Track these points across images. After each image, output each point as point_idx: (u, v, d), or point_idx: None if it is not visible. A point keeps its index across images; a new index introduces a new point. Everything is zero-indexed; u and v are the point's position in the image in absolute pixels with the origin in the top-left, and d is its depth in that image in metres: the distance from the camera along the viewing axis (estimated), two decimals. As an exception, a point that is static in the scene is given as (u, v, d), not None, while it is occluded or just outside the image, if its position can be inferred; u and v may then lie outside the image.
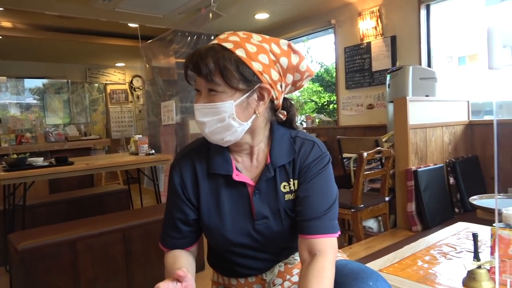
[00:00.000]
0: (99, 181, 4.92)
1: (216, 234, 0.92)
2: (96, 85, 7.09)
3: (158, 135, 4.54)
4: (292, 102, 0.99)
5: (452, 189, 3.12)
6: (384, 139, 3.23)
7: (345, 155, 3.44)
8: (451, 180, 3.14)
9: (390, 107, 3.39)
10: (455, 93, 4.72)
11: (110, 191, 3.60)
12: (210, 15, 3.63)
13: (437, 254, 1.25)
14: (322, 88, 6.37)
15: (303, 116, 5.67)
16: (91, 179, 4.31)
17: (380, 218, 2.94)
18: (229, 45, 0.83)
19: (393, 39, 3.95)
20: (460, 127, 3.37)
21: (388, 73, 3.54)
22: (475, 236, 1.01)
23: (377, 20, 4.04)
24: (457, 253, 1.26)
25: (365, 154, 2.50)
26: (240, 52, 0.82)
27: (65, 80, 6.76)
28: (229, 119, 0.83)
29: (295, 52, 0.90)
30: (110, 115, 7.14)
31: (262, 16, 4.74)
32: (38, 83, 6.55)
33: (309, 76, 0.95)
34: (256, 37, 0.88)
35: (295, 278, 0.97)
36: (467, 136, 3.42)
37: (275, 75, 0.87)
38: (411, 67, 3.32)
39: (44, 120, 6.29)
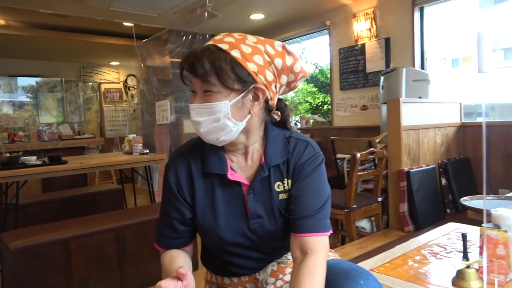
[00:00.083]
0: (92, 180, 4.89)
1: (210, 233, 0.93)
2: (90, 83, 7.05)
3: (152, 134, 4.53)
4: (286, 102, 1.00)
5: (444, 190, 3.16)
6: (377, 140, 3.26)
7: (338, 155, 3.47)
8: (443, 181, 3.17)
9: (384, 108, 3.42)
10: (449, 95, 4.78)
11: (104, 190, 3.59)
12: (206, 15, 3.63)
13: (427, 254, 1.27)
14: (316, 89, 6.39)
15: (297, 116, 5.69)
16: (85, 178, 4.29)
17: (373, 218, 2.97)
18: (224, 46, 0.84)
19: (387, 41, 3.98)
20: (452, 129, 3.41)
21: (382, 75, 3.57)
22: (464, 237, 1.03)
23: (371, 22, 4.08)
24: (447, 253, 1.28)
25: (358, 155, 2.52)
26: (235, 53, 0.83)
27: (59, 79, 6.71)
28: (224, 119, 0.84)
29: (289, 53, 0.92)
30: (104, 114, 7.10)
31: (257, 16, 4.75)
32: (32, 81, 6.49)
33: (303, 77, 0.96)
34: (251, 38, 0.89)
35: (288, 277, 0.98)
36: (459, 137, 3.46)
37: (269, 76, 0.88)
38: (404, 69, 3.35)
39: (37, 119, 6.25)
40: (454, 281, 1.02)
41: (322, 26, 4.67)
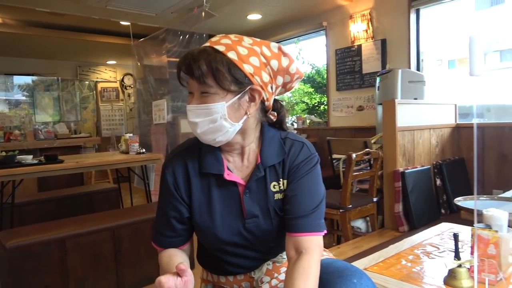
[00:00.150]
0: (89, 179, 4.88)
1: (207, 232, 0.94)
2: (87, 82, 7.03)
3: (149, 134, 4.52)
4: (282, 103, 1.01)
5: (438, 191, 3.18)
6: (372, 141, 3.28)
7: (334, 156, 3.49)
8: (438, 182, 3.20)
9: (380, 109, 3.44)
10: (445, 96, 4.81)
11: (100, 189, 3.59)
12: (203, 14, 3.63)
13: (420, 254, 1.29)
14: (313, 89, 6.42)
15: (294, 116, 5.71)
16: (81, 177, 4.29)
17: (368, 218, 2.99)
18: (221, 48, 0.85)
19: (383, 42, 4.00)
20: (447, 130, 3.44)
21: (378, 76, 3.59)
22: (456, 236, 1.05)
23: (368, 23, 4.10)
24: (440, 252, 1.30)
25: (353, 155, 2.54)
26: (231, 55, 0.84)
27: (55, 77, 6.69)
28: (221, 120, 0.85)
29: (285, 54, 0.93)
30: (101, 113, 7.08)
31: (254, 16, 4.76)
32: (28, 79, 6.47)
33: (299, 78, 0.97)
34: (247, 40, 0.90)
35: (283, 276, 1.00)
36: (454, 138, 3.49)
37: (265, 77, 0.89)
38: (400, 70, 3.38)
39: (33, 118, 6.22)
40: (446, 280, 1.04)
41: (319, 27, 4.69)
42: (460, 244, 1.32)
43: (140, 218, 2.37)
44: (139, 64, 4.82)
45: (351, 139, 3.67)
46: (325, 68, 4.90)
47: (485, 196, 1.92)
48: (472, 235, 1.03)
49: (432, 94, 3.71)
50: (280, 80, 0.93)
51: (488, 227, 1.08)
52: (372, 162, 2.98)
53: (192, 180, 0.94)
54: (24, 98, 6.42)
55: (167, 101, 4.12)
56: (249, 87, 0.87)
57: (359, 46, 4.23)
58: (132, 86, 7.18)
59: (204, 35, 3.72)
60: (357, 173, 2.73)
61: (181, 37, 3.93)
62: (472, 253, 1.08)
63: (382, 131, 3.05)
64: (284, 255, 1.02)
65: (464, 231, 1.50)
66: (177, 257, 0.93)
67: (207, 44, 0.88)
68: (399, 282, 1.04)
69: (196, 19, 3.70)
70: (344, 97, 4.50)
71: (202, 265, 1.08)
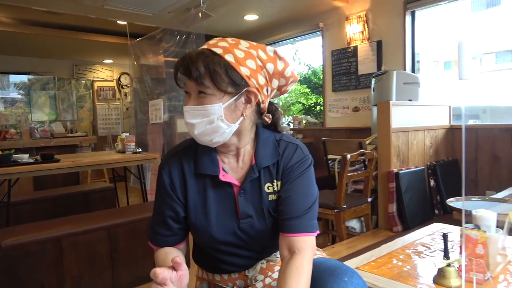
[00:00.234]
0: (85, 178, 4.88)
1: (202, 232, 0.96)
2: (83, 81, 7.02)
3: (145, 133, 4.53)
4: (277, 106, 1.04)
5: (432, 191, 3.22)
6: (367, 142, 3.31)
7: (330, 156, 3.51)
8: (432, 183, 3.24)
9: (375, 110, 3.48)
10: (440, 97, 4.84)
11: (96, 189, 3.59)
12: (200, 15, 3.64)
13: (411, 253, 1.31)
14: (309, 90, 6.44)
15: (290, 117, 5.73)
16: (77, 176, 4.29)
17: (362, 218, 3.01)
18: (218, 50, 0.87)
19: (379, 43, 4.04)
20: (442, 131, 3.48)
21: (373, 77, 3.62)
22: (445, 236, 1.08)
23: (364, 25, 4.13)
24: (430, 252, 1.32)
25: (348, 156, 2.56)
26: (229, 57, 0.86)
27: (52, 76, 6.67)
28: (218, 121, 0.87)
29: (280, 58, 0.95)
30: (97, 112, 7.07)
31: (251, 17, 4.78)
32: (24, 78, 6.44)
33: (294, 81, 1.00)
34: (244, 43, 0.92)
35: (276, 275, 1.02)
36: (448, 140, 3.52)
37: (261, 80, 0.91)
38: (395, 72, 3.41)
39: (30, 116, 6.20)
40: (435, 279, 1.07)
41: (315, 28, 4.72)
42: (450, 244, 1.35)
43: (136, 217, 2.38)
44: (135, 63, 4.83)
45: (346, 140, 3.70)
46: (321, 69, 4.93)
47: (476, 197, 1.95)
48: (461, 235, 1.05)
49: (428, 95, 3.74)
50: (275, 83, 0.95)
51: (477, 227, 1.11)
52: (366, 162, 3.01)
53: (188, 181, 0.96)
54: (20, 96, 6.40)
55: (164, 100, 4.13)
56: (245, 89, 0.89)
57: (355, 48, 4.26)
58: (128, 85, 7.18)
59: (201, 35, 3.73)
60: (352, 173, 2.75)
61: (178, 37, 3.94)
62: (461, 252, 1.11)
63: (377, 132, 3.08)
64: (278, 254, 1.04)
65: (455, 231, 1.53)
66: (173, 254, 0.94)
67: (205, 46, 0.90)
68: (390, 280, 1.07)
69: (193, 19, 3.72)
70: (340, 98, 4.53)
71: (197, 263, 1.10)
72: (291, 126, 5.22)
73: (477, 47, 0.86)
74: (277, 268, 1.03)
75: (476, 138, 3.32)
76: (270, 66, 0.92)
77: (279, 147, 0.98)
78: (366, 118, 4.16)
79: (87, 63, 7.02)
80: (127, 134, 3.39)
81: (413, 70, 3.86)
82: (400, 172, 2.92)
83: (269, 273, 1.02)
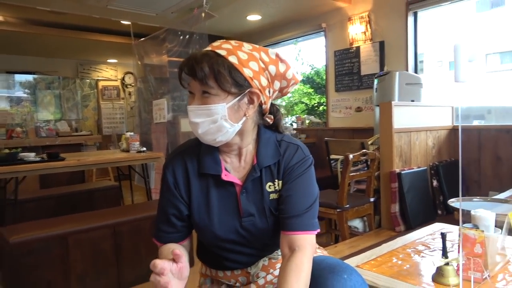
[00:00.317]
0: (90, 177, 4.93)
1: (205, 230, 0.99)
2: (88, 81, 7.07)
3: (149, 132, 4.56)
4: (278, 107, 1.06)
5: (435, 192, 3.23)
6: (370, 142, 3.32)
7: (332, 156, 3.53)
8: (435, 183, 3.24)
9: (377, 110, 3.49)
10: (444, 97, 4.84)
11: (101, 187, 3.63)
12: (203, 15, 3.67)
13: (411, 252, 1.33)
14: (312, 90, 6.46)
15: (293, 117, 5.75)
16: (82, 175, 4.33)
17: (365, 218, 3.03)
18: (222, 52, 0.89)
19: (382, 44, 4.05)
20: (444, 132, 3.48)
21: (376, 78, 3.64)
22: (443, 236, 1.10)
23: (366, 25, 4.14)
24: (430, 251, 1.34)
25: (350, 156, 2.58)
26: (232, 59, 0.89)
27: (57, 76, 6.73)
28: (221, 120, 0.90)
29: (282, 61, 0.97)
30: (102, 111, 7.13)
31: (254, 17, 4.80)
32: (29, 77, 6.51)
33: (295, 83, 1.02)
34: (247, 46, 0.94)
35: (278, 272, 1.04)
36: (450, 140, 3.53)
37: (264, 81, 0.94)
38: (397, 73, 3.42)
39: (35, 115, 6.26)
40: (434, 277, 1.09)
41: (318, 28, 4.73)
42: (450, 243, 1.36)
43: (140, 215, 2.41)
44: (139, 63, 4.86)
45: (348, 140, 3.72)
46: (324, 69, 4.94)
47: (478, 197, 1.96)
48: (459, 235, 1.07)
49: (431, 95, 3.74)
50: (277, 84, 0.98)
51: (476, 227, 1.13)
52: (369, 163, 3.03)
53: (191, 180, 0.98)
54: (25, 95, 6.46)
55: (167, 100, 4.16)
56: (248, 90, 0.91)
57: (358, 48, 4.27)
58: (132, 84, 7.22)
59: (204, 35, 3.76)
60: (354, 173, 2.77)
61: (181, 37, 3.97)
62: (459, 252, 1.13)
63: (379, 133, 3.09)
64: (279, 252, 1.06)
65: (456, 231, 1.54)
66: (176, 250, 0.97)
67: (209, 48, 0.92)
68: (389, 278, 1.09)
69: (196, 19, 3.74)
70: (343, 98, 4.54)
71: (201, 260, 1.12)
72: (294, 126, 5.24)
73: (473, 49, 0.87)
74: (279, 265, 1.05)
75: (479, 138, 3.32)
76: (272, 68, 0.95)
77: (280, 147, 1.00)
78: (369, 119, 4.17)
79: (92, 63, 7.07)
80: (132, 133, 3.43)
81: (415, 71, 3.87)
82: (403, 172, 2.93)
83: (271, 270, 1.04)
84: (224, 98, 0.89)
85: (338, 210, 2.63)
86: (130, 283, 2.32)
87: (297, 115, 5.66)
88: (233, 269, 1.04)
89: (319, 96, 6.36)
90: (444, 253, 1.08)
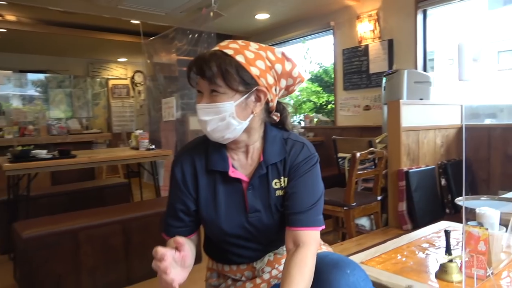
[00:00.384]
0: (100, 174, 4.99)
1: (212, 225, 1.01)
2: (98, 79, 7.16)
3: (158, 130, 4.61)
4: (285, 105, 1.08)
5: (443, 190, 3.21)
6: (377, 140, 3.32)
7: (340, 154, 3.53)
8: (443, 182, 3.22)
9: (386, 109, 3.47)
10: (454, 96, 4.78)
11: (111, 184, 3.68)
12: (211, 14, 3.70)
13: (416, 249, 1.34)
14: (321, 88, 6.45)
15: (301, 115, 5.75)
16: (92, 172, 4.39)
17: (372, 216, 3.03)
18: (230, 52, 0.92)
19: (390, 42, 4.02)
20: (453, 130, 3.45)
21: (384, 76, 3.62)
22: (447, 233, 1.11)
23: (375, 24, 4.12)
24: (435, 249, 1.35)
25: (358, 154, 2.58)
26: (240, 58, 0.91)
27: (68, 74, 6.82)
28: (229, 118, 0.92)
29: (288, 59, 0.99)
30: (112, 109, 7.21)
31: (262, 16, 4.81)
32: (41, 76, 6.61)
33: (301, 81, 1.04)
34: (253, 45, 0.97)
35: (282, 267, 1.06)
36: (459, 139, 3.50)
37: (270, 80, 0.96)
38: (406, 71, 3.40)
39: (47, 113, 6.37)
40: (438, 274, 1.10)
41: (326, 27, 4.72)
42: (455, 241, 1.37)
43: (149, 212, 2.45)
44: (149, 62, 4.91)
45: (356, 138, 3.72)
46: (333, 67, 4.93)
47: (485, 196, 1.96)
48: (463, 232, 1.08)
49: (441, 94, 3.70)
50: (283, 83, 1.00)
51: (480, 225, 1.14)
52: (376, 161, 3.02)
53: (199, 176, 1.01)
54: (37, 94, 6.57)
55: (177, 98, 4.20)
56: (255, 88, 0.94)
57: (366, 46, 4.26)
58: (142, 83, 7.29)
59: (212, 34, 3.79)
60: (362, 171, 2.77)
61: (190, 36, 4.01)
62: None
63: (387, 131, 3.08)
64: (285, 247, 1.08)
65: (461, 229, 1.54)
66: (178, 238, 0.99)
67: (217, 48, 0.95)
68: (392, 274, 1.10)
69: (204, 18, 3.77)
70: (351, 96, 4.53)
71: (208, 254, 1.15)
72: (302, 124, 5.24)
73: (478, 48, 0.88)
74: (284, 261, 1.07)
75: (488, 137, 3.29)
76: (278, 67, 0.97)
77: (286, 145, 1.02)
78: (377, 117, 4.15)
79: (102, 62, 7.15)
80: (141, 131, 3.46)
81: (424, 69, 3.84)
82: (410, 171, 2.92)
83: (276, 265, 1.06)
84: (232, 96, 0.91)
85: (345, 208, 2.64)
86: (139, 278, 2.36)
87: (305, 114, 5.66)
88: (239, 263, 1.06)
89: (327, 94, 6.35)
90: (448, 250, 1.09)
